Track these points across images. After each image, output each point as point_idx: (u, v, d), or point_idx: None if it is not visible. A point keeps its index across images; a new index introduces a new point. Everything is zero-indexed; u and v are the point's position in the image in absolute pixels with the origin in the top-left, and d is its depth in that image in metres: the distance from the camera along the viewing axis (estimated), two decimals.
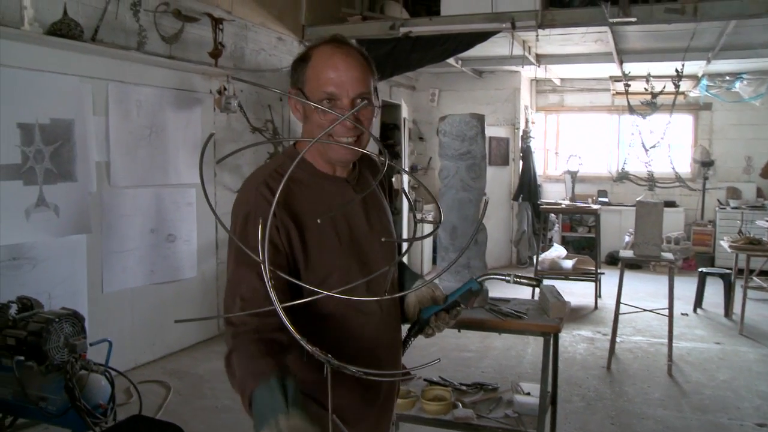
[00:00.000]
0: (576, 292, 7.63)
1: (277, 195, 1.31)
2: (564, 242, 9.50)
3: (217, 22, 5.67)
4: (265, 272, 1.16)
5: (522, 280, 1.65)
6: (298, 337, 1.16)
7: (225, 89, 5.93)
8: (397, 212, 8.10)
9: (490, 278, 1.70)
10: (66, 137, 4.54)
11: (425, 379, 3.73)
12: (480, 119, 3.37)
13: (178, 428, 1.82)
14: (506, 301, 3.59)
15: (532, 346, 5.67)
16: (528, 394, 3.46)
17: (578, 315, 7.03)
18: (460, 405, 3.42)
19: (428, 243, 8.52)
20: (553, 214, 9.41)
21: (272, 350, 1.39)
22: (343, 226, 1.62)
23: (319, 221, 1.54)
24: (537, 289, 3.80)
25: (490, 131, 9.67)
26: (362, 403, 1.67)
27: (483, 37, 5.98)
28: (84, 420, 3.68)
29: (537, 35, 6.44)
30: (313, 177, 1.62)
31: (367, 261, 1.65)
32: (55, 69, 4.41)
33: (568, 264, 7.43)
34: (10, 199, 4.14)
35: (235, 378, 1.40)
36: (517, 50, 7.38)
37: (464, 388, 3.63)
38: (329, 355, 1.19)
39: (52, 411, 3.66)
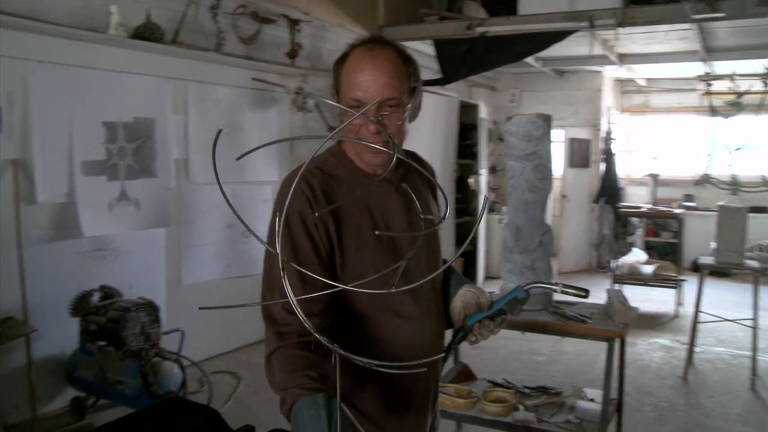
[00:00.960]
0: (656, 299, 7.34)
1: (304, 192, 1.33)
2: (647, 247, 9.13)
3: (294, 23, 5.77)
4: (282, 269, 1.14)
5: (569, 290, 1.59)
6: (308, 325, 1.14)
7: (301, 89, 6.04)
8: (470, 213, 8.01)
9: (537, 286, 1.64)
10: (147, 135, 4.72)
11: (489, 381, 3.67)
12: (546, 119, 3.27)
13: (214, 412, 1.84)
14: (572, 304, 3.49)
15: (606, 351, 5.48)
16: (592, 400, 3.34)
17: (657, 322, 6.75)
18: (522, 408, 3.34)
19: (496, 244, 8.38)
20: (635, 218, 9.08)
21: (314, 359, 1.38)
22: (380, 224, 1.59)
23: (377, 233, 1.54)
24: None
25: (571, 133, 9.46)
26: (395, 408, 1.63)
27: (560, 36, 5.82)
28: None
29: (617, 34, 6.22)
30: (354, 175, 1.60)
31: (406, 262, 1.62)
32: (138, 70, 4.59)
33: (648, 269, 7.14)
34: (95, 194, 4.34)
35: (275, 379, 1.42)
36: (598, 50, 7.16)
37: (527, 391, 3.55)
38: (336, 345, 1.18)
39: (129, 394, 3.83)
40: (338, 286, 1.22)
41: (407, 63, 1.54)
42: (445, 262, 1.85)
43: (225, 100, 5.46)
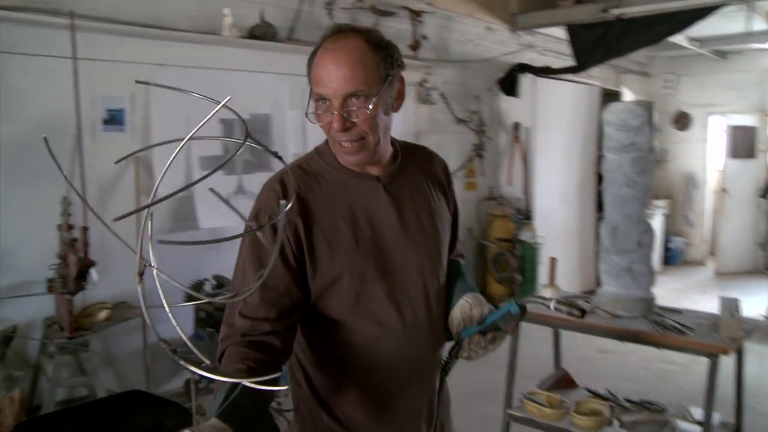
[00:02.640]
0: None
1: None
2: None
3: (416, 15, 5.68)
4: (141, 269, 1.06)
5: (562, 308, 1.38)
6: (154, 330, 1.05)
7: (425, 81, 5.93)
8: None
9: (531, 301, 1.44)
10: (264, 130, 4.85)
11: (588, 390, 3.38)
12: (647, 107, 2.91)
13: (178, 405, 1.82)
14: (678, 312, 3.11)
15: (750, 365, 4.87)
16: (700, 423, 2.96)
17: None
18: (617, 423, 3.03)
19: (588, 241, 7.75)
20: None
21: (250, 355, 1.31)
22: (363, 226, 1.46)
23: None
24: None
25: (734, 120, 8.53)
26: (378, 417, 1.50)
27: (702, 13, 5.21)
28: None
29: None
30: (338, 173, 1.49)
31: (390, 267, 1.47)
32: (254, 68, 4.72)
33: None
34: (213, 187, 4.54)
35: None
36: (761, 25, 6.37)
37: (628, 405, 3.21)
38: (208, 361, 1.07)
39: None
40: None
41: (377, 50, 1.39)
42: (450, 265, 1.68)
43: None
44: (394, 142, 1.59)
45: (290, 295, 1.40)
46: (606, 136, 3.06)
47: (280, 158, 0.95)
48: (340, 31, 1.42)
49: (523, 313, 1.42)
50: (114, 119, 4.05)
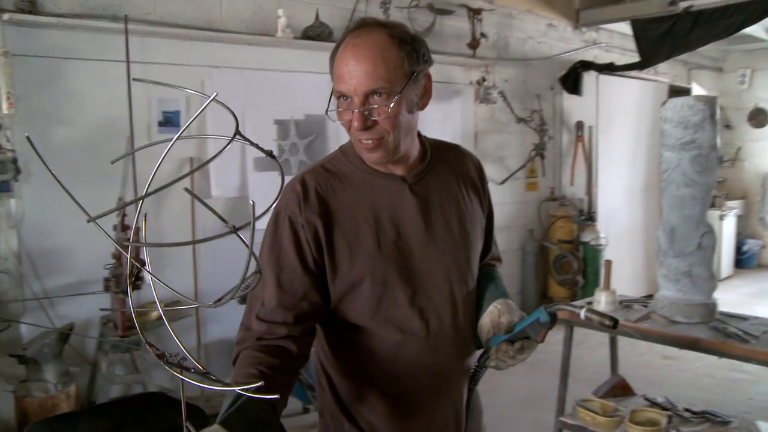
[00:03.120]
0: None
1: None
2: None
3: (475, 13, 5.56)
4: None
5: (593, 317, 1.26)
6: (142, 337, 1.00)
7: (484, 80, 5.80)
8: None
9: (561, 308, 1.34)
10: (319, 131, 4.83)
11: (646, 398, 3.20)
12: (709, 102, 2.73)
13: (197, 408, 1.77)
14: (743, 318, 2.90)
15: None
16: None
17: None
18: None
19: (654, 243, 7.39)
20: None
21: (263, 360, 1.27)
22: (386, 228, 1.39)
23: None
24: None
25: None
26: (395, 427, 1.44)
27: None
28: (304, 393, 3.92)
29: None
30: (362, 172, 1.43)
31: (414, 271, 1.40)
32: (309, 69, 4.69)
33: None
34: (266, 188, 4.55)
35: None
36: None
37: (688, 415, 3.02)
38: (168, 354, 1.02)
39: None
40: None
41: (402, 45, 1.32)
42: (483, 270, 1.59)
43: None
44: (423, 140, 1.52)
45: (308, 300, 1.36)
46: (663, 134, 2.89)
47: (273, 157, 0.89)
48: (363, 26, 1.35)
49: (552, 322, 1.32)
50: (169, 121, 4.10)
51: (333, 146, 4.85)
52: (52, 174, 0.84)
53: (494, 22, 5.94)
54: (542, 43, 6.49)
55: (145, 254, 0.96)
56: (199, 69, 4.18)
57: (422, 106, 1.42)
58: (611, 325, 1.25)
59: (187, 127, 0.91)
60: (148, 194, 0.83)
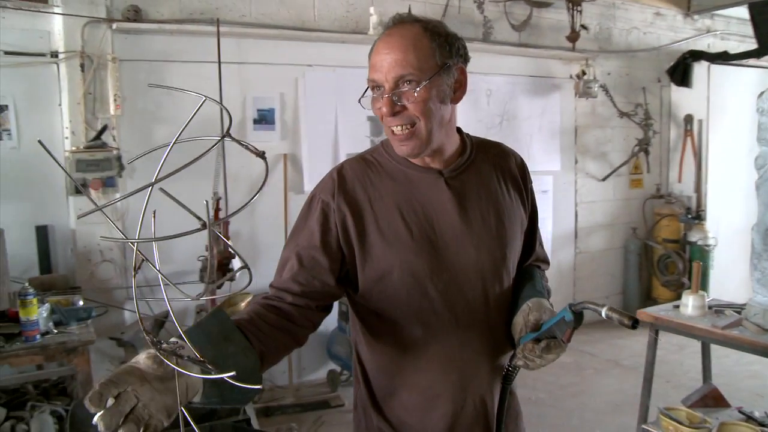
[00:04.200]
0: None
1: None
2: None
3: (574, 5, 5.36)
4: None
5: (613, 315, 1.20)
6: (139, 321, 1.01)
7: (584, 73, 5.60)
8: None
9: (585, 307, 1.27)
10: None
11: (741, 411, 2.98)
12: None
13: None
14: None
15: None
16: None
17: None
18: None
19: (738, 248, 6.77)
20: None
21: (260, 312, 1.30)
22: (420, 220, 1.39)
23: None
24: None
25: None
26: (424, 424, 1.43)
27: None
28: None
29: None
30: (399, 165, 1.43)
31: (446, 265, 1.38)
32: None
33: None
34: None
35: None
36: None
37: None
38: (155, 338, 1.02)
39: None
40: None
41: (434, 37, 1.32)
42: (524, 271, 1.54)
43: (498, 89, 5.31)
44: (464, 136, 1.51)
45: (321, 279, 1.37)
46: (760, 126, 2.68)
47: (263, 157, 0.90)
48: (400, 21, 1.37)
49: (577, 321, 1.26)
50: (264, 119, 4.23)
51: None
52: (65, 170, 0.88)
53: (596, 13, 5.71)
54: (649, 33, 6.16)
55: (154, 249, 0.98)
56: (293, 68, 4.29)
57: (456, 100, 1.40)
58: (629, 325, 1.18)
59: (184, 129, 0.93)
60: (124, 197, 0.85)
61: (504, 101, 5.34)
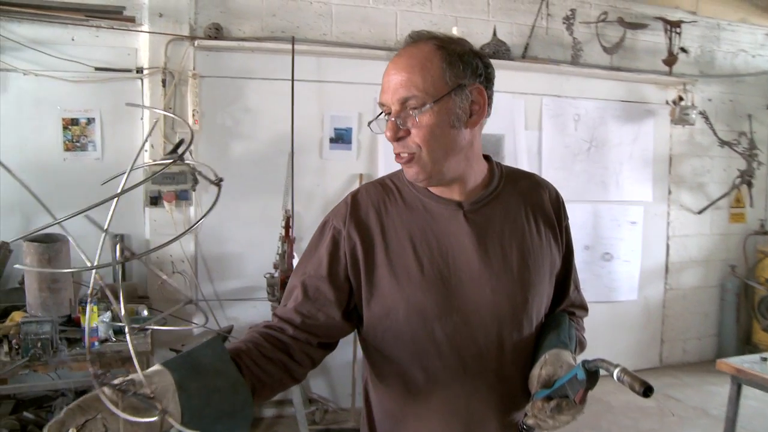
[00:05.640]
0: None
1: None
2: None
3: (673, 26, 5.05)
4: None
5: (624, 378, 1.02)
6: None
7: (681, 99, 5.25)
8: None
9: (600, 366, 1.09)
10: (495, 151, 4.66)
11: None
12: None
13: None
14: None
15: None
16: None
17: None
18: None
19: None
20: None
21: (257, 341, 1.21)
22: (433, 255, 1.26)
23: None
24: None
25: None
26: None
27: None
28: None
29: None
30: (417, 192, 1.32)
31: (458, 306, 1.24)
32: None
33: None
34: None
35: None
36: None
37: None
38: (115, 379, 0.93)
39: None
40: None
41: (447, 56, 1.20)
42: (553, 317, 1.38)
43: (587, 114, 5.06)
44: (494, 165, 1.35)
45: (326, 312, 1.27)
46: None
47: (218, 184, 0.81)
48: (414, 39, 1.26)
49: (591, 380, 1.09)
50: (341, 138, 4.18)
51: (510, 164, 4.67)
52: (23, 184, 0.82)
53: (696, 35, 5.35)
54: (758, 56, 5.73)
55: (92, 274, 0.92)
56: (372, 87, 4.18)
57: (473, 124, 1.26)
58: (640, 393, 1.00)
59: (141, 148, 0.85)
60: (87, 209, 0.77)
61: (593, 127, 5.07)
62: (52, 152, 3.54)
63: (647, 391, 0.99)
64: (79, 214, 0.78)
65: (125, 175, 0.86)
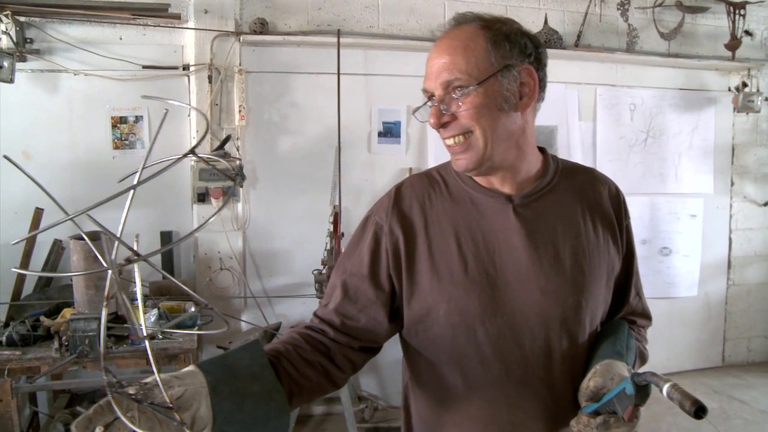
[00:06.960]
0: None
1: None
2: None
3: (736, 8, 4.78)
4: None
5: (674, 395, 0.89)
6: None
7: (745, 85, 4.97)
8: None
9: (648, 380, 0.96)
10: (548, 143, 4.49)
11: None
12: None
13: None
14: None
15: None
16: None
17: None
18: None
19: None
20: None
21: (298, 343, 1.15)
22: (479, 252, 1.16)
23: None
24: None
25: None
26: None
27: None
28: None
29: None
30: (464, 185, 1.22)
31: (504, 307, 1.14)
32: None
33: None
34: None
35: None
36: None
37: None
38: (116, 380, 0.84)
39: None
40: None
41: (491, 36, 1.11)
42: (610, 324, 1.25)
43: (643, 103, 4.83)
44: (549, 158, 1.24)
45: (368, 314, 1.19)
46: None
47: (234, 179, 0.71)
48: (457, 21, 1.18)
49: (642, 395, 0.97)
50: (390, 131, 4.08)
51: (564, 156, 4.50)
52: (35, 181, 0.75)
53: (763, 17, 5.04)
54: None
55: (135, 269, 0.84)
56: (421, 79, 4.09)
57: (524, 107, 1.16)
58: (691, 413, 0.87)
59: (152, 145, 0.77)
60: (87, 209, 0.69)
61: (650, 116, 4.85)
62: (102, 151, 3.54)
63: (699, 411, 0.86)
64: (80, 214, 0.70)
65: (137, 175, 0.78)
